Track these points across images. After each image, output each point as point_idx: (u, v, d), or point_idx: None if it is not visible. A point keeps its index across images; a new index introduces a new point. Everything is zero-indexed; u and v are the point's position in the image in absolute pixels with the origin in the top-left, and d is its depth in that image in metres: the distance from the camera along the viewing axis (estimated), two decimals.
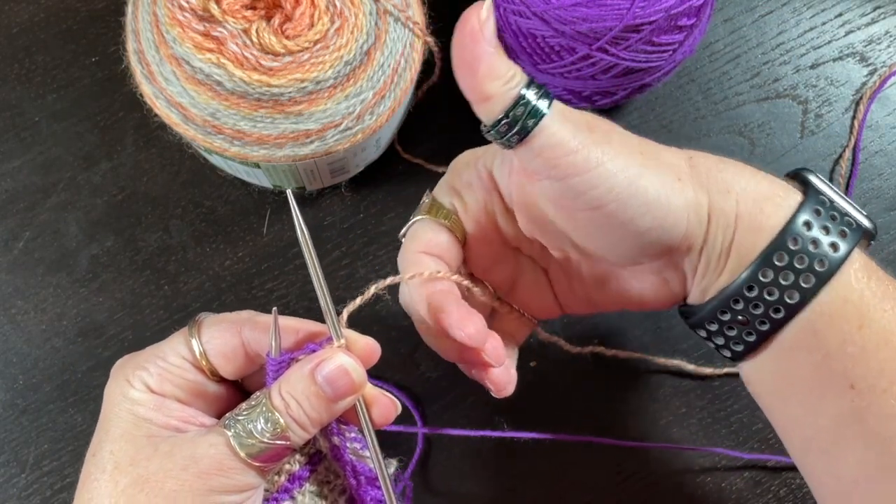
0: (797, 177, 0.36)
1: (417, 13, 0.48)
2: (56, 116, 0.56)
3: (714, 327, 0.36)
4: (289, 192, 0.35)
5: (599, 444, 0.53)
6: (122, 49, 0.48)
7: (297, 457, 0.37)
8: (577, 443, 0.53)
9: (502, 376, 0.37)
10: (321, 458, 0.37)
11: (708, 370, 0.54)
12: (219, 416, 0.36)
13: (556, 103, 0.32)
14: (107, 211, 0.55)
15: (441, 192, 0.40)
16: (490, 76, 0.31)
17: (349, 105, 0.46)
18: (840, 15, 0.60)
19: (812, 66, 0.59)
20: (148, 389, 0.34)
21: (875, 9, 0.60)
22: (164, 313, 0.54)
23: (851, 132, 0.58)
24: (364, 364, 0.34)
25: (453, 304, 0.35)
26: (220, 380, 0.36)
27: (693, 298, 0.37)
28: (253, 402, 0.33)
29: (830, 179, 0.58)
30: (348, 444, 0.37)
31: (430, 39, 0.49)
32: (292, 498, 0.36)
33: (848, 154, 0.58)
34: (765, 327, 0.34)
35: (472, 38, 0.31)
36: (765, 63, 0.59)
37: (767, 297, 0.33)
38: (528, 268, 0.41)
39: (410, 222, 0.39)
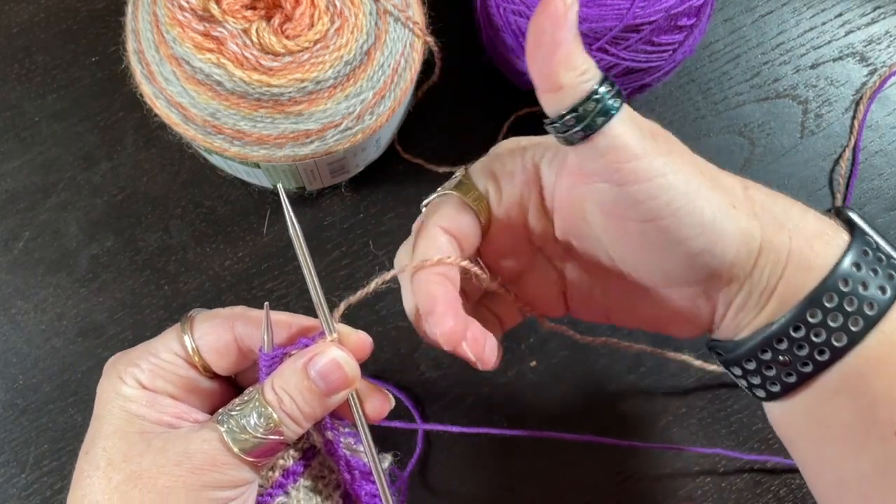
0: (839, 214, 0.35)
1: (417, 13, 0.48)
2: (56, 116, 0.56)
3: (752, 366, 0.34)
4: (279, 187, 0.35)
5: (599, 444, 0.53)
6: (122, 49, 0.48)
7: (291, 452, 0.37)
8: (577, 443, 0.53)
9: (479, 346, 0.36)
10: (315, 452, 0.37)
11: (712, 366, 0.54)
12: (212, 412, 0.36)
13: (625, 105, 0.31)
14: (107, 211, 0.55)
15: (477, 173, 0.38)
16: (566, 65, 0.29)
17: (349, 105, 0.46)
18: (840, 15, 0.60)
19: (812, 66, 0.59)
20: (140, 386, 0.34)
21: (875, 9, 0.60)
22: (164, 313, 0.54)
23: (851, 132, 0.58)
24: (357, 358, 0.34)
25: (441, 300, 0.34)
26: (214, 376, 0.36)
27: (724, 333, 0.36)
28: (246, 398, 0.33)
29: (830, 179, 0.58)
30: (342, 439, 0.37)
31: (430, 39, 0.49)
32: (286, 493, 0.36)
33: (848, 154, 0.58)
34: (807, 369, 0.33)
35: (555, 21, 0.28)
36: (765, 63, 0.59)
37: (814, 339, 0.32)
38: (540, 264, 0.40)
39: (437, 193, 0.37)
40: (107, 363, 0.36)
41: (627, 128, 0.30)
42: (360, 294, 0.36)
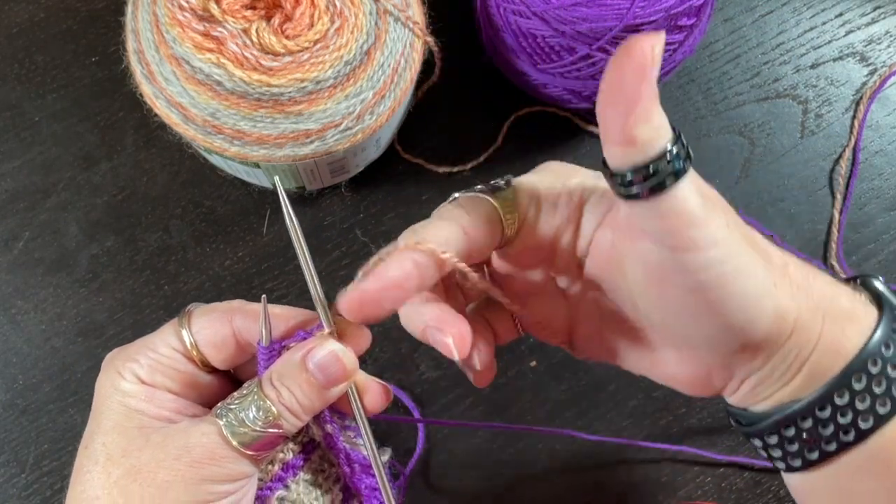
0: (865, 284, 0.34)
1: (417, 13, 0.48)
2: (56, 116, 0.56)
3: (773, 440, 0.34)
4: (276, 180, 0.34)
5: (599, 443, 0.53)
6: (122, 49, 0.48)
7: (291, 445, 0.37)
8: (577, 442, 0.53)
9: (482, 365, 0.35)
10: (315, 446, 0.37)
11: None
12: (211, 406, 0.35)
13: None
14: (107, 211, 0.55)
15: (523, 191, 0.35)
16: (643, 119, 0.27)
17: (349, 105, 0.46)
18: (840, 15, 0.60)
19: (812, 66, 0.59)
20: (139, 381, 0.34)
21: (875, 9, 0.60)
22: (163, 313, 0.54)
23: (851, 132, 0.58)
24: (355, 351, 0.34)
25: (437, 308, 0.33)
26: (212, 370, 0.36)
27: (738, 400, 0.35)
28: (244, 391, 0.33)
29: (830, 179, 0.58)
30: (342, 432, 0.37)
31: (430, 39, 0.49)
32: (286, 486, 0.36)
33: (848, 154, 0.58)
34: (831, 447, 0.32)
35: (639, 72, 0.27)
36: (765, 63, 0.59)
37: (840, 419, 0.31)
38: (552, 291, 0.38)
39: (475, 191, 0.35)
40: (105, 358, 0.36)
41: (692, 192, 0.28)
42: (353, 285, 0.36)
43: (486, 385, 0.36)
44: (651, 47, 0.26)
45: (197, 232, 0.55)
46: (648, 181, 0.28)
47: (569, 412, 0.54)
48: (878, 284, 0.34)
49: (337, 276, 0.55)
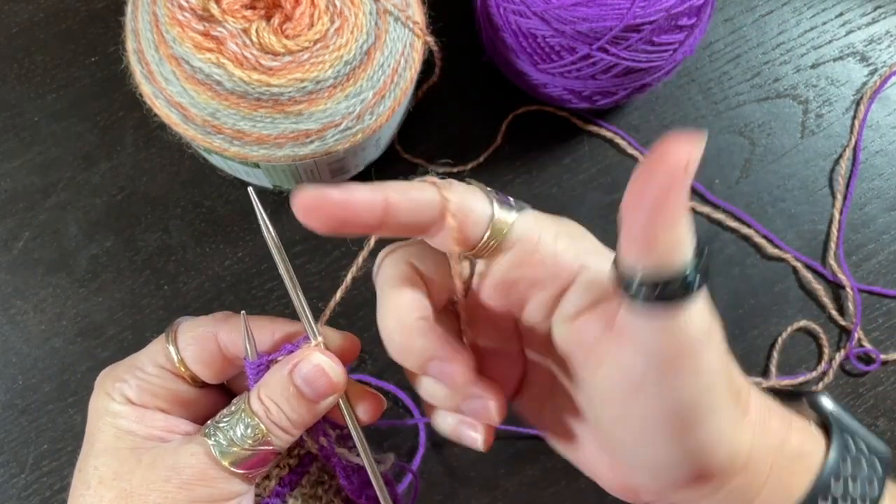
0: (814, 405, 0.33)
1: (417, 13, 0.48)
2: (56, 116, 0.56)
3: None
4: (250, 191, 0.33)
5: None
6: (122, 49, 0.48)
7: (288, 459, 0.36)
8: None
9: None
10: (313, 458, 0.37)
11: None
12: (204, 421, 0.35)
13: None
14: (106, 211, 0.55)
15: (522, 224, 0.31)
16: (668, 226, 0.25)
17: (349, 105, 0.46)
18: (840, 14, 0.60)
19: (812, 66, 0.59)
20: (128, 402, 0.34)
21: (875, 8, 0.60)
22: (163, 313, 0.54)
23: (852, 132, 0.58)
24: (344, 361, 0.33)
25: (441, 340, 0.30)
26: (203, 384, 0.36)
27: None
28: (233, 408, 0.33)
29: (830, 179, 0.58)
30: (341, 443, 0.36)
31: (430, 39, 0.48)
32: (284, 502, 0.36)
33: (848, 154, 0.58)
34: None
35: (671, 179, 0.24)
36: (765, 63, 0.59)
37: None
38: (512, 347, 0.35)
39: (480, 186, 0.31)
40: (97, 379, 0.35)
41: (699, 314, 0.27)
42: (339, 292, 0.35)
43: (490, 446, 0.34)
44: (688, 155, 0.25)
45: (197, 232, 0.55)
46: (657, 292, 0.26)
47: None
48: (826, 403, 0.33)
49: (337, 276, 0.55)
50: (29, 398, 0.53)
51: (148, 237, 0.55)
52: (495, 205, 0.30)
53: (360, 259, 0.34)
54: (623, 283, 0.27)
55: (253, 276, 0.55)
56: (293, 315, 0.54)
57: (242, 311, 0.34)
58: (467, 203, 0.30)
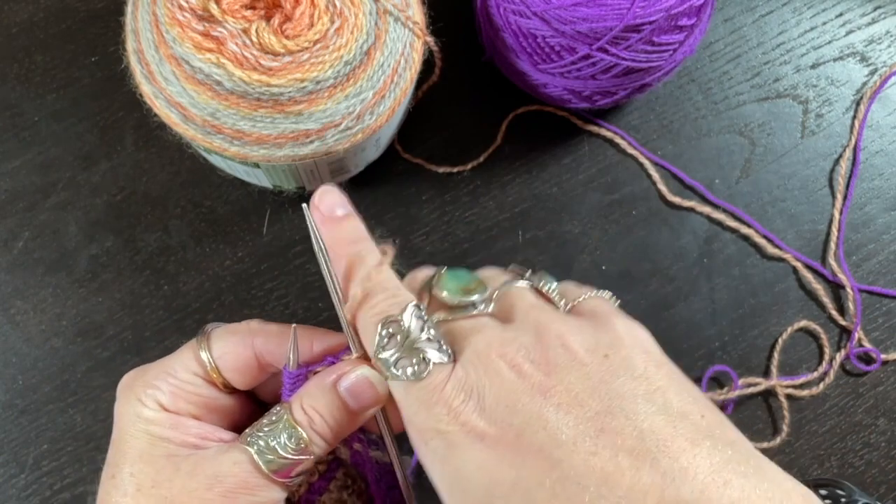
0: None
1: (417, 13, 0.48)
2: (56, 116, 0.56)
3: None
4: (304, 208, 0.34)
5: None
6: (122, 49, 0.48)
7: (319, 465, 0.36)
8: None
9: None
10: (340, 463, 0.37)
11: (711, 367, 0.54)
12: (233, 427, 0.35)
13: None
14: (106, 211, 0.55)
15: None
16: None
17: (349, 105, 0.46)
18: (840, 15, 0.60)
19: (812, 66, 0.59)
20: (161, 408, 0.34)
21: (875, 8, 0.60)
22: (163, 313, 0.54)
23: (852, 132, 0.58)
24: None
25: None
26: (232, 391, 0.36)
27: None
28: (274, 418, 0.33)
29: (830, 179, 0.58)
30: (370, 449, 0.37)
31: (430, 39, 0.48)
32: None
33: (848, 154, 0.58)
34: None
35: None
36: (765, 63, 0.59)
37: None
38: None
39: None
40: (121, 383, 0.35)
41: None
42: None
43: None
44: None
45: (197, 232, 0.55)
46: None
47: None
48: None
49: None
50: (29, 398, 0.53)
51: (148, 237, 0.55)
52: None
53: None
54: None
55: (253, 276, 0.55)
56: (293, 316, 0.54)
57: (293, 325, 0.34)
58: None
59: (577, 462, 0.27)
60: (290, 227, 0.55)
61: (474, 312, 0.32)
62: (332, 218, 0.34)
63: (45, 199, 0.55)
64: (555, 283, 0.33)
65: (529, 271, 0.34)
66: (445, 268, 0.34)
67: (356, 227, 0.34)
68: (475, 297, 0.32)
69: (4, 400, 0.53)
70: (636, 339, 0.31)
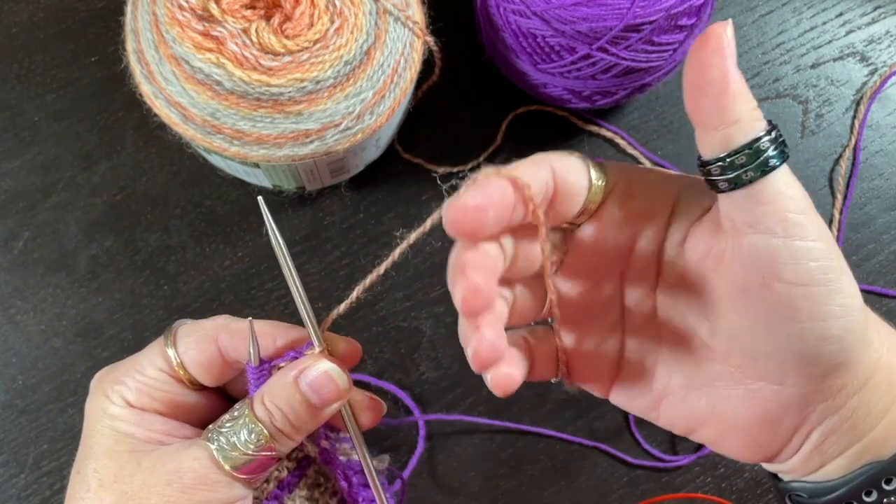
0: None
1: (417, 13, 0.48)
2: (56, 116, 0.56)
3: None
4: (260, 200, 0.34)
5: (599, 443, 0.53)
6: (122, 49, 0.48)
7: (286, 462, 0.36)
8: (579, 444, 0.53)
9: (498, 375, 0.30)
10: (310, 461, 0.37)
11: None
12: (201, 424, 0.35)
13: None
14: (106, 211, 0.55)
15: (613, 165, 0.32)
16: (741, 98, 0.27)
17: (349, 105, 0.46)
18: (840, 14, 0.60)
19: (812, 66, 0.59)
20: (127, 404, 0.34)
21: (875, 8, 0.60)
22: (163, 313, 0.54)
23: (852, 132, 0.58)
24: (346, 366, 0.34)
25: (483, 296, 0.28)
26: (201, 388, 0.36)
27: (800, 461, 0.31)
28: (235, 413, 0.33)
29: (830, 179, 0.58)
30: (338, 445, 0.37)
31: (430, 39, 0.48)
32: None
33: (848, 154, 0.58)
34: None
35: (721, 54, 0.27)
36: (765, 63, 0.59)
37: None
38: (611, 317, 0.34)
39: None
40: (92, 380, 0.35)
41: (793, 178, 0.28)
42: (344, 304, 0.35)
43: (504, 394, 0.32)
44: (725, 31, 0.27)
45: (196, 232, 0.55)
46: (755, 161, 0.27)
47: (569, 412, 0.54)
48: None
49: (337, 276, 0.55)
50: (29, 398, 0.53)
51: (148, 237, 0.55)
52: (591, 172, 0.31)
53: (367, 281, 0.34)
54: (717, 175, 0.28)
55: (253, 276, 0.55)
56: (293, 316, 0.54)
57: (249, 318, 0.34)
58: (569, 179, 0.30)
59: None
60: (289, 227, 0.55)
61: None
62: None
63: (45, 199, 0.55)
64: None
65: None
66: None
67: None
68: None
69: (4, 400, 0.53)
70: None
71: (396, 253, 0.33)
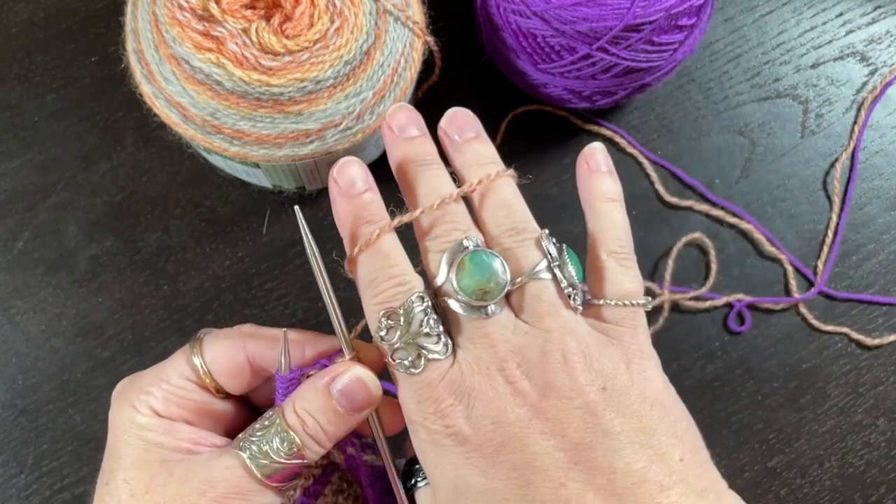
0: None
1: (417, 13, 0.48)
2: (56, 116, 0.56)
3: None
4: (297, 210, 0.34)
5: None
6: (122, 49, 0.48)
7: (313, 470, 0.36)
8: None
9: None
10: (335, 468, 0.37)
11: (711, 366, 0.54)
12: (227, 432, 0.35)
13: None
14: (106, 211, 0.55)
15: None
16: None
17: (349, 105, 0.46)
18: (841, 14, 0.60)
19: (813, 66, 0.59)
20: (155, 414, 0.34)
21: (875, 8, 0.60)
22: (163, 313, 0.54)
23: (852, 132, 0.58)
24: (374, 372, 0.34)
25: None
26: (226, 396, 0.36)
27: None
28: (266, 422, 0.33)
29: (831, 179, 0.58)
30: (363, 452, 0.37)
31: (430, 39, 0.48)
32: None
33: (848, 154, 0.58)
34: None
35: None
36: (765, 63, 0.59)
37: None
38: None
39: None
40: (115, 390, 0.35)
41: None
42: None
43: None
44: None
45: (197, 232, 0.55)
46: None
47: None
48: None
49: (337, 276, 0.55)
50: (29, 398, 0.53)
51: (148, 237, 0.55)
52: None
53: None
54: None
55: (253, 276, 0.55)
56: (293, 315, 0.54)
57: (284, 329, 0.34)
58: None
59: (545, 490, 0.29)
60: (290, 227, 0.55)
61: (485, 314, 0.31)
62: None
63: (45, 199, 0.55)
64: (574, 273, 0.32)
65: (555, 249, 0.32)
66: (471, 248, 0.32)
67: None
68: (490, 307, 0.31)
69: (4, 400, 0.53)
70: (641, 370, 0.31)
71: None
